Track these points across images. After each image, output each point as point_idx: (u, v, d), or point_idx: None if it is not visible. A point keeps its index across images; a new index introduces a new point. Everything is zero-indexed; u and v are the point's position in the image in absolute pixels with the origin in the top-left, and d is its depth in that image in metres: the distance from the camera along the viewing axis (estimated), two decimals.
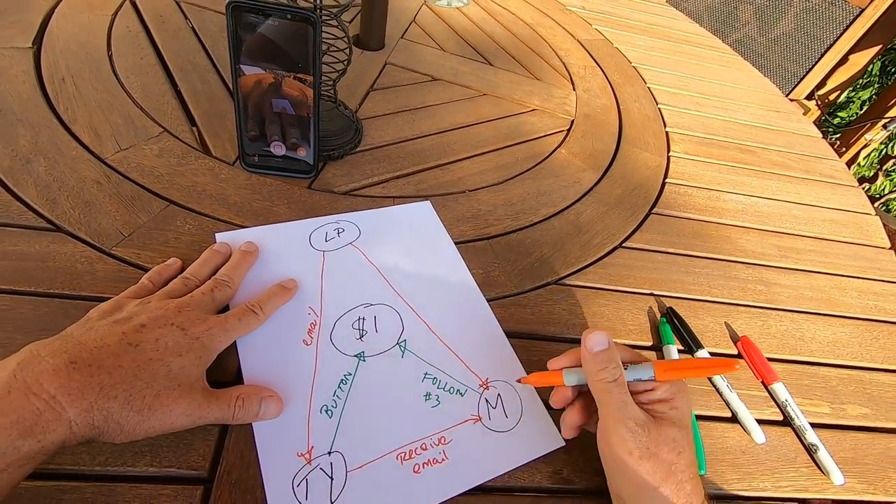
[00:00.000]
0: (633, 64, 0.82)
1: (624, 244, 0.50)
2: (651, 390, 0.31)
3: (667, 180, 0.60)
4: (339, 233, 0.43)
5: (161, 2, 0.64)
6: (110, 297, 0.34)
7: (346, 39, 0.45)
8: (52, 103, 0.48)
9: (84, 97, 0.49)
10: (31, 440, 0.23)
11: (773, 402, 0.40)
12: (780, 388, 0.40)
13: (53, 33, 0.55)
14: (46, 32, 0.55)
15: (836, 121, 1.85)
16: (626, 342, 0.42)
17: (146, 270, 0.37)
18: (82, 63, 0.53)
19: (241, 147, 0.45)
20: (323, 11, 0.42)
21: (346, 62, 0.46)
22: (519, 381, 0.35)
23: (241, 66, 0.41)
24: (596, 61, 0.79)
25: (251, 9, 0.38)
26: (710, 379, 0.40)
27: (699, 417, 0.38)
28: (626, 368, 0.31)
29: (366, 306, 0.39)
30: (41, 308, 0.34)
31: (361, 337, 0.37)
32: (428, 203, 0.48)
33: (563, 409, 0.33)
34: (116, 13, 0.61)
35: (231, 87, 0.51)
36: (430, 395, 0.35)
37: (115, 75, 0.53)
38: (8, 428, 0.22)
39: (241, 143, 0.45)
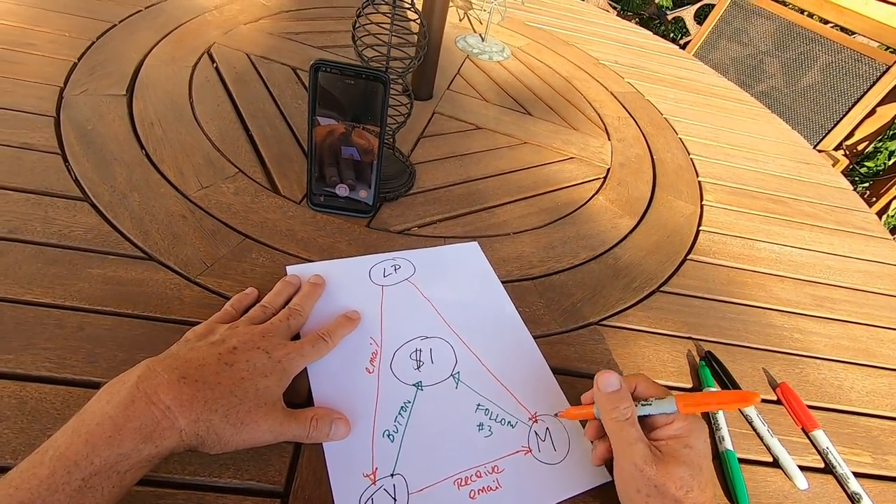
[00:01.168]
0: (664, 115, 0.86)
1: (661, 288, 0.52)
2: (669, 424, 0.32)
3: (701, 228, 0.62)
4: (395, 269, 0.47)
5: (234, 55, 0.71)
6: (196, 322, 0.38)
7: (408, 95, 0.50)
8: (142, 144, 0.53)
9: (170, 139, 0.55)
10: (150, 445, 0.26)
11: (813, 449, 0.41)
12: (820, 436, 0.41)
13: (143, 82, 0.62)
14: (137, 81, 0.62)
15: (864, 170, 1.85)
16: (666, 384, 0.43)
17: (226, 298, 0.41)
18: (167, 109, 0.59)
19: (309, 188, 0.50)
20: (390, 71, 0.47)
21: (406, 115, 0.51)
22: (557, 414, 0.38)
23: (318, 117, 0.46)
24: (629, 112, 0.84)
25: (331, 69, 0.44)
26: (750, 423, 0.42)
27: (741, 461, 0.39)
28: (649, 403, 0.33)
29: (422, 339, 0.42)
30: (137, 329, 0.38)
31: (419, 367, 0.40)
32: (476, 244, 0.52)
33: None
34: (196, 65, 0.67)
35: (306, 135, 0.57)
36: (482, 425, 0.37)
37: (196, 120, 0.59)
38: (133, 433, 0.26)
39: (310, 184, 0.49)
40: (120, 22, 0.71)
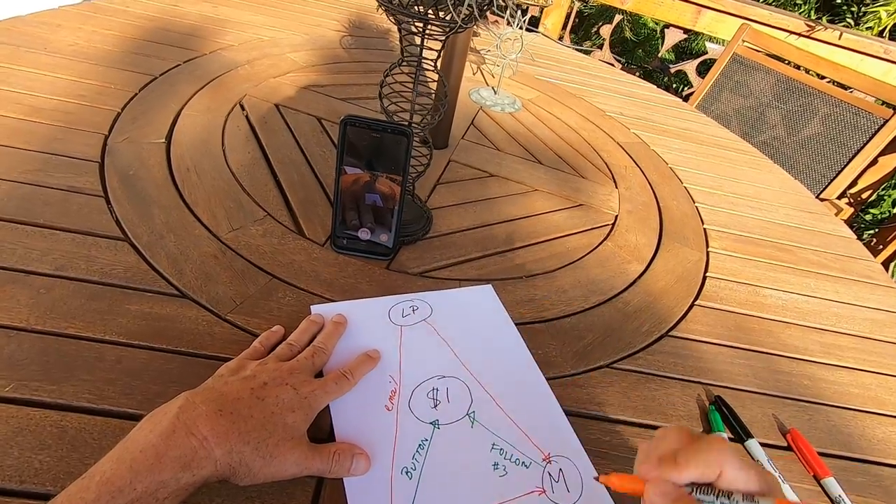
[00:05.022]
0: (669, 165, 0.89)
1: (670, 333, 0.54)
2: None
3: (707, 274, 0.64)
4: (413, 310, 0.49)
5: (264, 105, 0.77)
6: (226, 357, 0.40)
7: (428, 146, 0.54)
8: (179, 188, 0.57)
9: (204, 184, 0.59)
10: (188, 473, 0.28)
11: (825, 497, 0.41)
12: (832, 483, 0.42)
13: (180, 131, 0.66)
14: (175, 130, 0.66)
15: (869, 217, 1.88)
16: None
17: (254, 335, 0.43)
18: (202, 156, 0.63)
19: (333, 231, 0.53)
20: (413, 125, 0.51)
21: (426, 164, 0.54)
22: (597, 478, 0.31)
23: (345, 166, 0.49)
24: (635, 162, 0.87)
25: (359, 124, 0.47)
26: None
27: None
28: (753, 500, 0.25)
29: (439, 378, 0.43)
30: (171, 363, 0.40)
31: (436, 406, 0.41)
32: (490, 286, 0.54)
33: None
34: (229, 115, 0.72)
35: (330, 181, 0.60)
36: (497, 464, 0.38)
37: (228, 166, 0.63)
38: (173, 461, 0.27)
39: (334, 228, 0.52)
40: (161, 75, 0.77)
